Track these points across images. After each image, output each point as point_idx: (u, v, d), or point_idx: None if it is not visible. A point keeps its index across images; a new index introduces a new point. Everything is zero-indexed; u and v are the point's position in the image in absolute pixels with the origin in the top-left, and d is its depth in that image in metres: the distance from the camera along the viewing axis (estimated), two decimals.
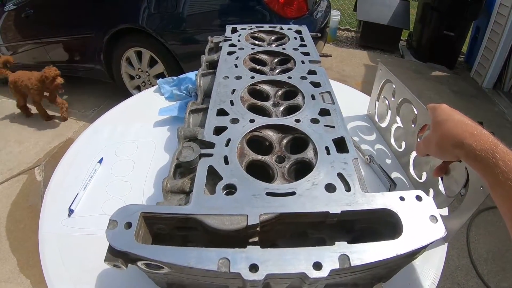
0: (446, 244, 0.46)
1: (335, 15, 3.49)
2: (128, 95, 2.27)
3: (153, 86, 0.88)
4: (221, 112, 0.45)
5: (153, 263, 0.31)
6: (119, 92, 2.31)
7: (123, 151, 0.66)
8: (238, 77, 0.54)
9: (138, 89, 2.21)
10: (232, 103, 0.47)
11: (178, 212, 0.32)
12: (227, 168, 0.36)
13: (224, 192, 0.34)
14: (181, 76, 0.83)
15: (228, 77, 0.53)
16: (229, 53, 0.62)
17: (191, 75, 0.81)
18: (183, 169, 0.39)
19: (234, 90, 0.50)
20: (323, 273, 0.27)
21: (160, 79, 0.85)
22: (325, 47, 2.90)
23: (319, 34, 0.84)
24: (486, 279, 1.34)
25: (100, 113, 0.70)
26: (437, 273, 0.44)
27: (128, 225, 0.31)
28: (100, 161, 0.63)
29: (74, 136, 2.18)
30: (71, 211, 0.54)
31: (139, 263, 0.31)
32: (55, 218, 0.53)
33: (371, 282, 0.38)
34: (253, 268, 0.27)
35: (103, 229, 0.50)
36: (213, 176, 0.36)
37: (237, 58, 0.60)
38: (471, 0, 2.66)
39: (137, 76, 2.15)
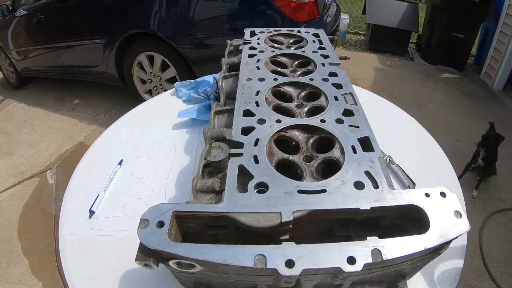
0: (466, 241, 0.46)
1: (344, 19, 3.50)
2: (139, 99, 2.29)
3: (165, 90, 0.89)
4: (247, 113, 0.45)
5: (186, 262, 0.31)
6: (130, 97, 2.34)
7: (142, 153, 0.66)
8: (261, 79, 0.54)
9: (150, 93, 2.22)
10: (257, 104, 0.47)
11: (212, 210, 0.32)
12: (258, 167, 0.36)
13: (256, 190, 0.34)
14: (198, 79, 0.83)
15: (251, 79, 0.54)
16: (250, 56, 0.63)
17: (209, 78, 0.82)
18: (211, 168, 0.39)
19: (258, 92, 0.50)
20: (357, 267, 0.28)
21: (177, 82, 0.86)
22: (335, 50, 2.91)
23: (336, 37, 0.84)
24: (499, 281, 1.32)
25: (112, 117, 0.71)
26: (458, 272, 0.45)
27: (160, 224, 0.31)
28: (120, 163, 0.64)
29: (85, 139, 2.21)
30: (92, 213, 0.54)
31: (170, 262, 0.31)
32: (75, 219, 0.53)
33: (395, 279, 0.38)
34: (289, 263, 0.28)
35: (125, 230, 0.51)
36: (243, 175, 0.36)
37: (258, 60, 0.61)
38: (479, 2, 2.65)
39: (149, 81, 2.17)
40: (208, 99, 0.77)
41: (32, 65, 2.78)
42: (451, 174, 0.61)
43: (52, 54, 2.52)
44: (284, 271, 0.27)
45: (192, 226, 0.33)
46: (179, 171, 0.61)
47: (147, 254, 0.31)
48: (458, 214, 0.33)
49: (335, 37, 0.83)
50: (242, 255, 0.28)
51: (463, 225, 0.32)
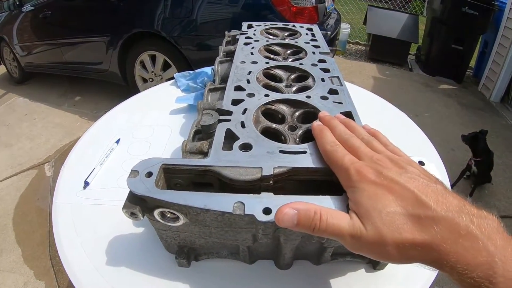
0: None
1: (345, 28, 3.56)
2: None
3: None
4: (238, 88, 0.48)
5: (170, 213, 0.33)
6: (131, 95, 2.34)
7: (139, 133, 0.69)
8: (254, 62, 0.57)
9: None
10: (248, 81, 0.50)
11: (198, 164, 0.34)
12: (244, 131, 0.38)
13: (241, 150, 0.36)
14: (197, 70, 0.86)
15: (244, 62, 0.57)
16: (246, 44, 0.65)
17: (207, 69, 0.84)
18: (202, 135, 0.41)
19: (250, 72, 0.53)
20: None
21: (177, 73, 0.88)
22: (335, 59, 2.96)
23: (328, 33, 0.87)
24: None
25: None
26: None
27: (149, 174, 0.33)
28: (117, 142, 0.66)
29: None
30: (86, 184, 0.56)
31: (155, 212, 0.33)
32: (70, 190, 0.55)
33: None
34: (266, 211, 0.29)
35: (117, 200, 0.52)
36: (230, 140, 0.38)
37: (253, 47, 0.63)
38: (479, 14, 2.71)
39: (150, 80, 2.21)
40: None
41: (36, 61, 2.83)
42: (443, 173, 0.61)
43: (56, 50, 2.57)
44: (261, 217, 0.29)
45: (179, 182, 0.35)
46: (172, 151, 0.63)
47: (134, 203, 0.32)
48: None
49: (328, 32, 0.86)
50: (222, 202, 0.30)
51: None
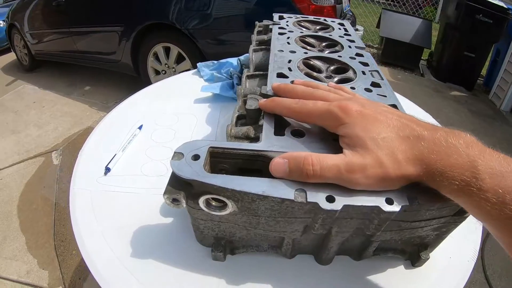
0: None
1: (358, 30, 3.54)
2: None
3: None
4: (281, 75, 0.46)
5: (216, 201, 0.30)
6: (142, 87, 2.32)
7: (163, 121, 0.66)
8: (292, 51, 0.55)
9: None
10: (290, 69, 0.48)
11: (250, 148, 0.31)
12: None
13: (292, 135, 0.34)
14: (221, 61, 0.84)
15: (282, 50, 0.55)
16: (280, 34, 0.63)
17: (232, 60, 0.82)
18: (244, 120, 0.39)
19: (290, 60, 0.51)
20: (396, 207, 0.27)
21: (200, 62, 0.86)
22: None
23: (360, 30, 0.86)
24: None
25: None
26: (476, 248, 0.44)
27: (195, 157, 0.30)
28: (140, 128, 0.63)
29: (94, 125, 2.20)
30: (107, 170, 0.53)
31: (201, 199, 0.30)
32: (89, 176, 0.51)
33: (418, 249, 0.38)
34: (330, 199, 0.27)
35: (141, 188, 0.50)
36: (279, 127, 0.35)
37: (288, 38, 0.62)
38: (493, 23, 2.68)
39: (163, 72, 2.18)
40: (231, 79, 0.77)
41: (46, 49, 2.80)
42: None
43: (68, 39, 2.55)
44: (325, 205, 0.27)
45: (224, 168, 0.33)
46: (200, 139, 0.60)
47: (177, 188, 0.29)
48: None
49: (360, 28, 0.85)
50: (282, 188, 0.28)
51: None
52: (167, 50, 2.09)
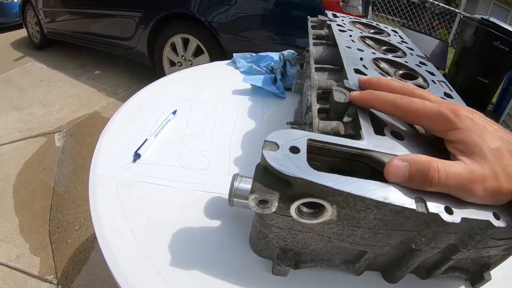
0: None
1: None
2: None
3: None
4: (358, 71, 0.41)
5: (312, 205, 0.25)
6: (154, 77, 2.27)
7: (200, 108, 0.60)
8: (360, 50, 0.50)
9: None
10: (365, 66, 0.43)
11: (353, 145, 0.26)
12: (387, 116, 0.31)
13: (394, 137, 0.29)
14: (261, 54, 0.79)
15: (350, 47, 0.50)
16: (341, 31, 0.59)
17: (273, 54, 0.78)
18: (328, 114, 0.34)
19: (362, 58, 0.46)
20: (502, 223, 0.25)
21: (236, 53, 0.81)
22: None
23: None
24: None
25: (132, 94, 0.64)
26: None
27: (294, 149, 0.24)
28: (174, 113, 0.57)
29: (101, 110, 2.14)
30: (137, 156, 0.46)
31: (295, 204, 0.24)
32: (114, 161, 0.45)
33: (481, 269, 0.34)
34: (449, 211, 0.24)
35: (178, 181, 0.44)
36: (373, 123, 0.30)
37: (350, 36, 0.57)
38: (509, 50, 2.67)
39: (179, 64, 2.12)
40: (271, 73, 0.72)
41: (59, 28, 2.73)
42: None
43: (83, 20, 2.48)
44: (446, 217, 0.23)
45: (317, 166, 0.27)
46: (243, 134, 0.54)
47: (271, 186, 0.24)
48: None
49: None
50: (400, 195, 0.24)
51: None
52: (185, 42, 2.03)
